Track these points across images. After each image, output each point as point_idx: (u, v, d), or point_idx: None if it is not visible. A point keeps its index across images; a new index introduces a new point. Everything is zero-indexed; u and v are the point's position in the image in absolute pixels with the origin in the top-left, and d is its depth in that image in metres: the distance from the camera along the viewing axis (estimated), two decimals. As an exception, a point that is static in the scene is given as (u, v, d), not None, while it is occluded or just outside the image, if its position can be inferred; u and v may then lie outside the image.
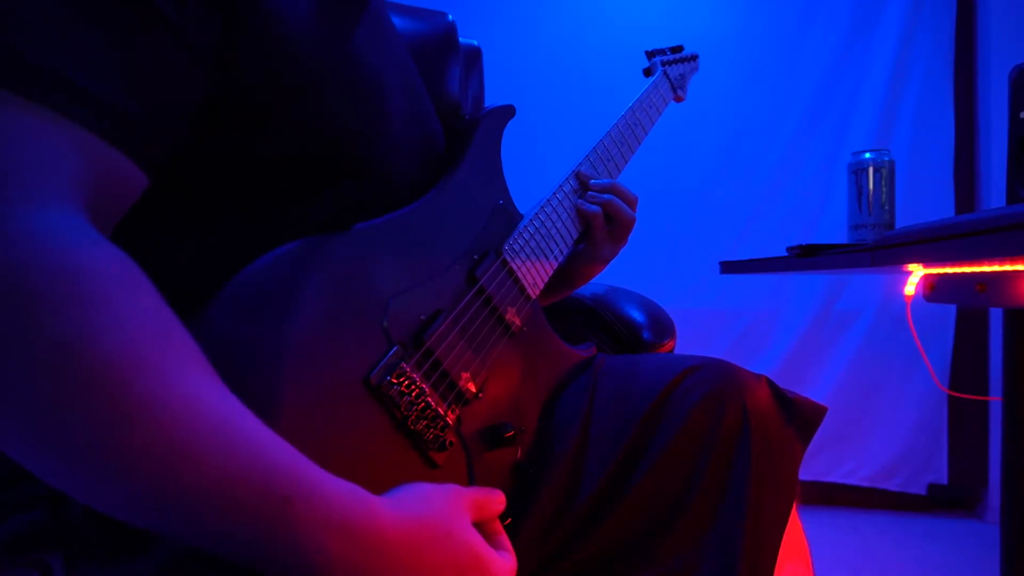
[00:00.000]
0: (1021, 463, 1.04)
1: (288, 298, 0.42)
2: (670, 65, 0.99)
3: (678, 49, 1.03)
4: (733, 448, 0.56)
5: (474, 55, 1.11)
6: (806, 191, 2.12)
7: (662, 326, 0.95)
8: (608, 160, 0.80)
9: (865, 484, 2.08)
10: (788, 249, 0.97)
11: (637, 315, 0.95)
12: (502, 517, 0.49)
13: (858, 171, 1.06)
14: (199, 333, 0.37)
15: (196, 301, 0.43)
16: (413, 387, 0.47)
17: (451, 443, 0.50)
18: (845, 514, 2.05)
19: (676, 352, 0.98)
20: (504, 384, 0.58)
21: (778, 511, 0.55)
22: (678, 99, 1.00)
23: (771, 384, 0.62)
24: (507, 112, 0.72)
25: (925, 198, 2.00)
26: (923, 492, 2.04)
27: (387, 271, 0.50)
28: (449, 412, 0.50)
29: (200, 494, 0.31)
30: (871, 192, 1.05)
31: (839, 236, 1.17)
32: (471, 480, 0.52)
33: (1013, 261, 0.83)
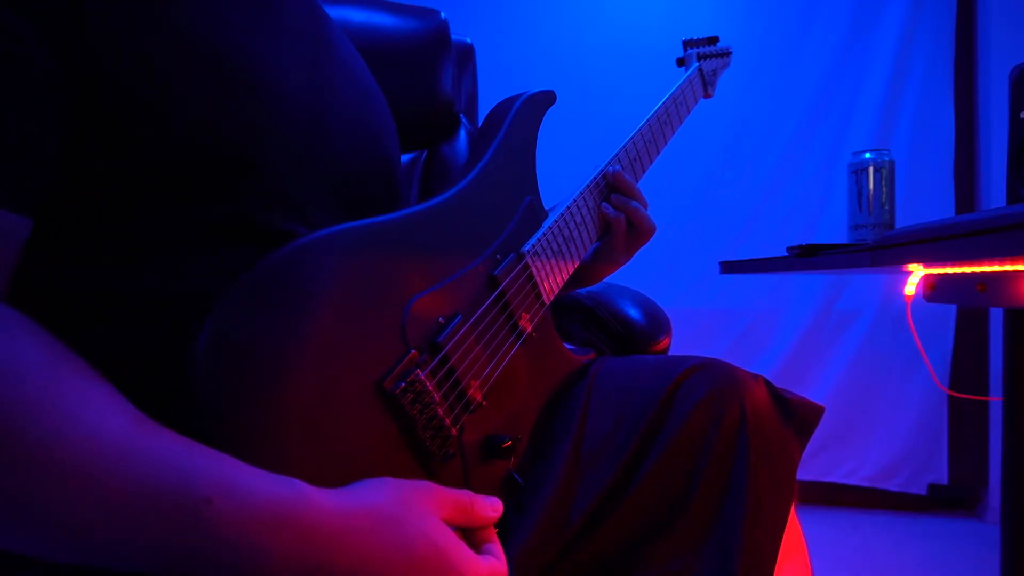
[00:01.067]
0: (1021, 463, 1.04)
1: (307, 291, 0.41)
2: (706, 59, 0.94)
3: (713, 40, 0.98)
4: (732, 448, 0.55)
5: (467, 53, 1.11)
6: (806, 191, 2.12)
7: (658, 323, 0.95)
8: (636, 160, 0.77)
9: (865, 484, 2.08)
10: (788, 249, 0.96)
11: (633, 312, 0.95)
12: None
13: (858, 171, 1.06)
14: (213, 325, 0.37)
15: (108, 314, 0.42)
16: (425, 396, 0.46)
17: (452, 454, 0.48)
18: (845, 514, 2.05)
19: (673, 350, 0.98)
20: (507, 392, 0.56)
21: (777, 511, 0.55)
22: (707, 96, 0.95)
23: (768, 384, 0.62)
24: (547, 98, 0.67)
25: (925, 198, 2.00)
26: (923, 492, 2.04)
27: (412, 267, 0.48)
28: (455, 423, 0.49)
29: (120, 518, 0.31)
30: (871, 192, 1.05)
31: (839, 236, 1.17)
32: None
33: (1013, 261, 0.83)
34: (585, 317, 0.96)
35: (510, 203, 0.61)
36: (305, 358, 0.39)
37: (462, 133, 1.05)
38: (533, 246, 0.61)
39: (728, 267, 1.18)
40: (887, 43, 2.07)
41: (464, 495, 0.44)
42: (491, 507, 0.45)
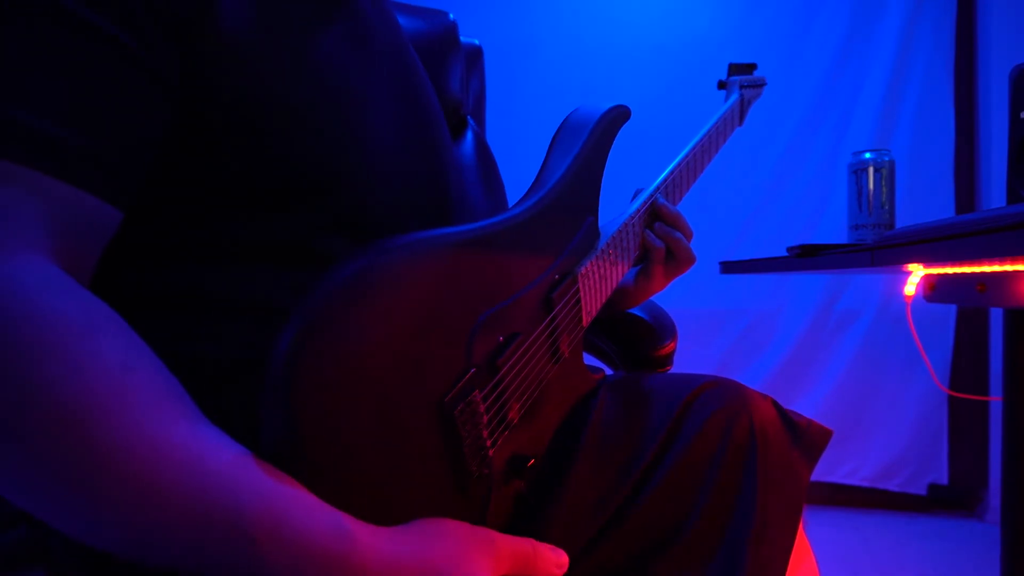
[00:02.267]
0: (1021, 463, 1.04)
1: (393, 291, 0.40)
2: (746, 88, 0.95)
3: (750, 68, 0.99)
4: (740, 467, 0.55)
5: (475, 54, 1.11)
6: (806, 191, 2.12)
7: (663, 327, 0.95)
8: (677, 187, 0.76)
9: (866, 484, 2.08)
10: (788, 249, 0.97)
11: (639, 316, 0.95)
12: None
13: (858, 171, 1.06)
14: (301, 315, 0.36)
15: (167, 319, 0.42)
16: (476, 416, 0.45)
17: (487, 474, 0.47)
18: (846, 514, 2.05)
19: (676, 352, 0.98)
20: (535, 412, 0.55)
21: (784, 531, 0.55)
22: (740, 124, 0.96)
23: (777, 405, 0.62)
24: (623, 115, 0.66)
25: (925, 198, 2.00)
26: (923, 492, 2.04)
27: (486, 280, 0.47)
28: (494, 444, 0.47)
29: (168, 533, 0.32)
30: (871, 192, 1.05)
31: (839, 236, 1.17)
32: (483, 511, 0.48)
33: (1013, 261, 0.83)
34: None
35: (575, 222, 0.60)
36: (381, 361, 0.38)
37: (469, 135, 1.05)
38: (586, 268, 0.60)
39: (728, 267, 1.18)
40: (887, 43, 2.07)
41: (527, 545, 0.43)
42: (555, 562, 0.44)
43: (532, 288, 0.52)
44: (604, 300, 0.66)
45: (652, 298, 1.00)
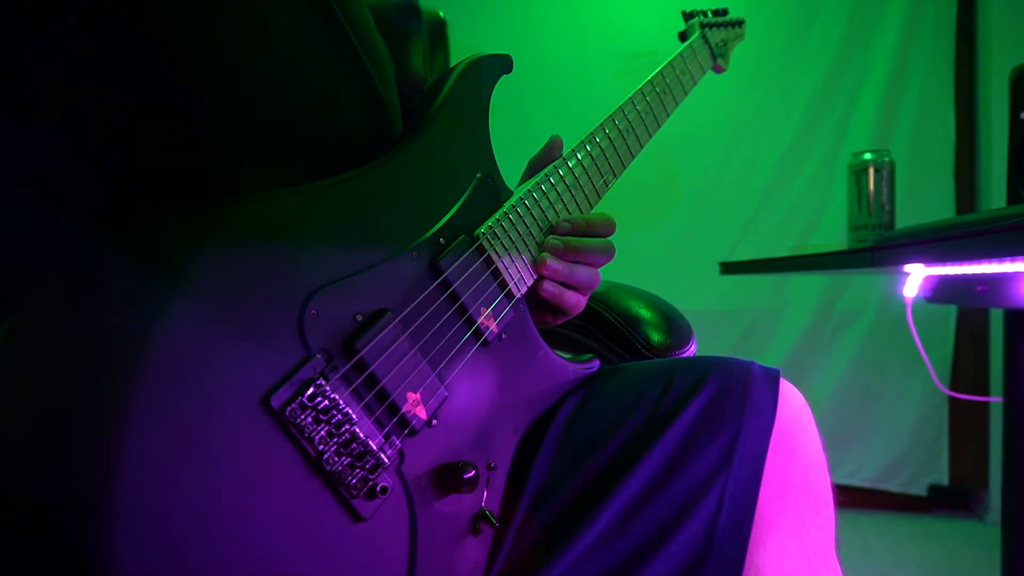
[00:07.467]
0: (1021, 463, 1.04)
1: (165, 284, 0.34)
2: (711, 28, 0.85)
3: (721, 12, 0.88)
4: (732, 457, 0.54)
5: (439, 27, 1.05)
6: (806, 191, 2.12)
7: (679, 327, 0.90)
8: (629, 132, 0.68)
9: (866, 485, 2.08)
10: (789, 249, 0.97)
11: (647, 314, 0.91)
12: None
13: (858, 171, 1.06)
14: (19, 322, 0.30)
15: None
16: (333, 412, 0.38)
17: (384, 489, 0.40)
18: (846, 515, 2.05)
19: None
20: (470, 408, 0.48)
21: (781, 522, 0.55)
22: (718, 69, 0.86)
23: (772, 392, 0.61)
24: (499, 63, 0.59)
25: (925, 198, 2.00)
26: (924, 493, 2.04)
27: (314, 253, 0.40)
28: (385, 446, 0.41)
29: None
30: (871, 192, 1.05)
31: (839, 236, 1.17)
32: (414, 537, 0.42)
33: (1013, 261, 0.83)
34: (585, 321, 0.89)
35: (457, 179, 0.53)
36: (158, 370, 0.32)
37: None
38: (491, 228, 0.53)
39: (728, 267, 1.18)
40: (887, 43, 2.07)
41: None
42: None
43: (402, 256, 0.45)
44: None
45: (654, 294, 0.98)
